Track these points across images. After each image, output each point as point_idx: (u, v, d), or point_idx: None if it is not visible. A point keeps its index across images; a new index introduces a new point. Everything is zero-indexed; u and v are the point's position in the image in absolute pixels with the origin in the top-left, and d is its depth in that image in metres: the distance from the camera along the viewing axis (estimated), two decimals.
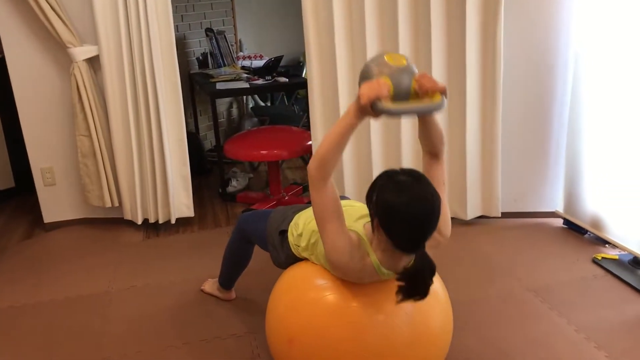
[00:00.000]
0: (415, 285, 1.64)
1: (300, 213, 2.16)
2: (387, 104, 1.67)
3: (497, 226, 3.41)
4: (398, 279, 1.65)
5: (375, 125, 3.31)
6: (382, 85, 1.68)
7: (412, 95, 1.74)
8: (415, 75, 1.75)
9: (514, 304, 2.62)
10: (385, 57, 1.76)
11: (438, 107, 1.73)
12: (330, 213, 1.75)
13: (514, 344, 2.32)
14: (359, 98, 1.68)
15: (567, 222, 3.35)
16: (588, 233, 3.23)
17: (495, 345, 2.33)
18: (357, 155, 3.41)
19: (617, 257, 2.95)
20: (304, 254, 2.04)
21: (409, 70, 1.75)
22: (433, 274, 1.66)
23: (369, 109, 1.69)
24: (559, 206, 3.39)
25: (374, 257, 1.77)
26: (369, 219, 1.80)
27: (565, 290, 2.71)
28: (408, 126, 3.28)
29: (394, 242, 1.69)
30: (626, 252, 2.94)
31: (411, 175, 1.69)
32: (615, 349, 2.26)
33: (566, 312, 2.52)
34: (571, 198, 3.27)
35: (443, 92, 1.73)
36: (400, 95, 1.71)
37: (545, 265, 2.95)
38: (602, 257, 2.95)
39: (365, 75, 1.78)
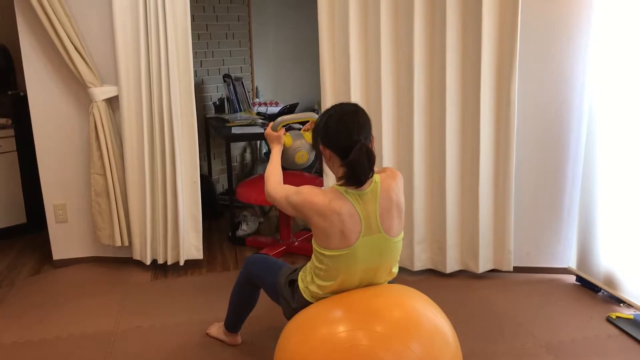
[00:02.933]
0: (355, 171, 1.89)
1: (308, 263, 2.21)
2: (280, 118, 2.54)
3: (509, 281, 3.36)
4: (341, 165, 1.94)
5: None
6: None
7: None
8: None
9: None
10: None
11: (311, 114, 2.61)
12: (288, 188, 2.10)
13: None
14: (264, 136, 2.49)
15: (580, 279, 3.29)
16: (602, 291, 3.17)
17: None
18: None
19: (632, 316, 2.89)
20: (312, 288, 2.07)
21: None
22: (372, 161, 1.91)
23: (272, 133, 2.44)
24: (571, 262, 3.34)
25: (336, 186, 2.00)
26: None
27: (580, 348, 2.64)
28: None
29: (336, 151, 1.97)
30: None
31: None
32: None
33: None
34: (584, 254, 3.23)
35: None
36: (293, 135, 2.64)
37: (559, 322, 2.89)
38: (617, 317, 2.89)
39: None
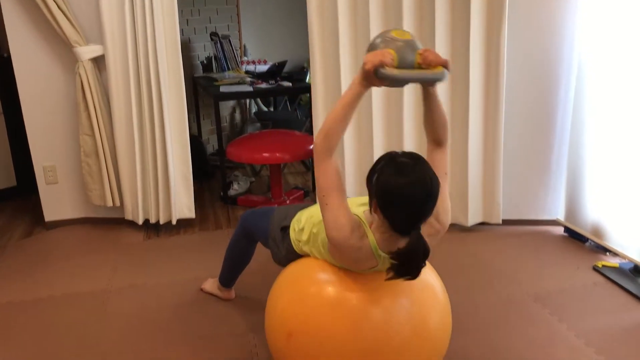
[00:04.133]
0: (407, 265, 1.66)
1: (303, 210, 2.17)
2: (390, 70, 1.71)
3: (498, 233, 3.41)
4: (391, 257, 1.67)
5: (377, 113, 3.31)
6: (385, 54, 1.73)
7: (415, 68, 1.79)
8: (420, 50, 1.80)
9: (514, 309, 2.61)
10: (391, 32, 1.82)
11: (440, 77, 1.77)
12: (333, 186, 1.77)
13: (513, 349, 2.32)
14: (363, 65, 1.72)
15: (568, 230, 3.35)
16: (589, 241, 3.23)
17: (494, 349, 2.32)
18: (358, 149, 3.42)
19: (617, 265, 2.94)
20: (305, 249, 2.04)
21: (413, 44, 1.79)
22: (426, 256, 1.67)
23: (372, 75, 1.73)
24: (560, 214, 3.39)
25: (371, 238, 1.77)
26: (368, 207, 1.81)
27: (566, 296, 2.70)
28: (411, 113, 3.30)
29: (390, 223, 1.70)
30: (627, 261, 2.94)
31: (412, 157, 1.71)
32: (615, 355, 2.25)
33: (566, 318, 2.52)
34: (572, 206, 3.27)
35: (445, 65, 1.78)
36: (404, 66, 1.76)
37: (546, 272, 2.94)
38: (603, 265, 2.95)
39: (371, 49, 1.83)
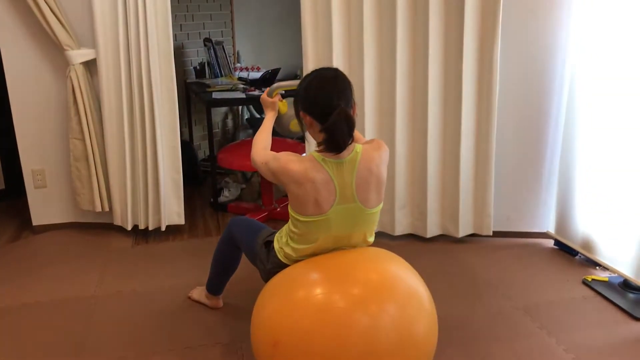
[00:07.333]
0: (333, 136, 1.86)
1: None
2: (274, 85, 2.43)
3: (488, 245, 3.41)
4: (321, 131, 1.91)
5: None
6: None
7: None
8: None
9: (502, 321, 2.60)
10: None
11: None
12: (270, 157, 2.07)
13: None
14: (260, 100, 2.43)
15: (558, 243, 3.35)
16: (579, 255, 3.23)
17: None
18: None
19: (607, 279, 2.95)
20: (287, 250, 2.07)
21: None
22: (351, 127, 1.88)
23: (266, 97, 2.39)
24: (550, 227, 3.39)
25: (313, 153, 1.98)
26: None
27: (555, 310, 2.70)
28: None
29: (315, 117, 1.95)
30: (616, 275, 2.94)
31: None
32: None
33: (555, 332, 2.51)
34: (563, 219, 3.27)
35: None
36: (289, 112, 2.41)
37: (535, 285, 2.94)
38: (592, 279, 2.95)
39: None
